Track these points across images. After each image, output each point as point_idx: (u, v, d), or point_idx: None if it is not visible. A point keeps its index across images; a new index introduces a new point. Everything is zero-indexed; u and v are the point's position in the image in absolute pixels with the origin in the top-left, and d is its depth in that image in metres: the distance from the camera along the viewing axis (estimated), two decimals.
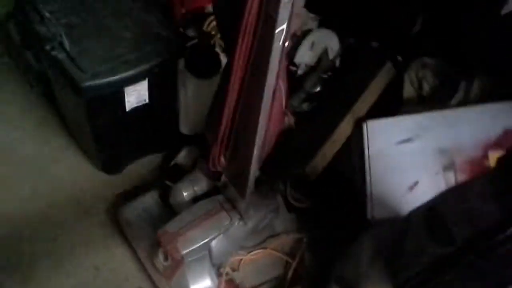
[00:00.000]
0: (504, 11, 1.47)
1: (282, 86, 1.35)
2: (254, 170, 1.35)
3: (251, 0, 0.98)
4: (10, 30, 1.80)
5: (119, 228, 1.73)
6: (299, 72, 1.83)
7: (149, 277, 1.63)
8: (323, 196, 1.70)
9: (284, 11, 0.97)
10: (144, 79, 1.50)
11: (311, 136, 1.69)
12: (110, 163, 1.80)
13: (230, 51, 1.15)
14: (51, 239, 1.70)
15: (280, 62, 1.09)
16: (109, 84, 1.43)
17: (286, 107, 1.54)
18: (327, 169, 1.65)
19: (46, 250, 1.67)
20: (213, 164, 1.43)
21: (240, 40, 1.07)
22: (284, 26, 1.00)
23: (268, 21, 0.99)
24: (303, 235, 1.71)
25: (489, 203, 0.87)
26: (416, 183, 1.45)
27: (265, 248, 1.70)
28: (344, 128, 1.64)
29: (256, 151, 1.27)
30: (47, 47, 1.38)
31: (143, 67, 1.47)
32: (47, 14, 1.45)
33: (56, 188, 1.82)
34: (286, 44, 1.06)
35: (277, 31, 1.00)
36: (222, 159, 1.42)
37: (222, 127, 1.29)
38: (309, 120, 1.76)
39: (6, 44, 2.00)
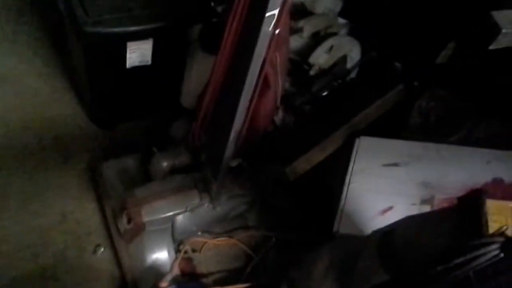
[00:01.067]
0: None
1: (279, 80, 1.31)
2: (228, 154, 1.32)
3: None
4: None
5: (95, 182, 1.73)
6: (311, 72, 1.78)
7: (110, 236, 1.63)
8: (299, 199, 1.65)
9: None
10: (149, 38, 1.48)
11: (302, 138, 1.65)
12: (102, 117, 1.81)
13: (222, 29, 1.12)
14: (27, 175, 1.72)
15: (268, 49, 1.05)
16: (111, 34, 1.41)
17: (281, 103, 1.50)
18: (310, 174, 1.60)
19: (21, 185, 1.70)
20: (192, 139, 1.41)
21: (230, 18, 1.03)
22: (276, 12, 0.96)
23: (259, 2, 0.95)
24: (272, 234, 1.67)
25: (441, 237, 0.83)
26: (390, 208, 1.40)
27: (231, 237, 1.67)
28: (337, 138, 1.59)
29: (232, 136, 1.24)
30: None
31: (151, 25, 1.45)
32: None
33: (46, 127, 1.84)
34: (277, 31, 1.01)
35: (267, 15, 0.95)
36: (202, 136, 1.40)
37: (205, 104, 1.27)
38: (307, 123, 1.71)
39: None
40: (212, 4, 1.77)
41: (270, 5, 0.93)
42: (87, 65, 1.55)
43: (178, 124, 1.79)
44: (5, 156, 1.75)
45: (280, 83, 1.33)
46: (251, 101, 1.15)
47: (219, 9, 1.78)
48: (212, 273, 1.62)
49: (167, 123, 1.82)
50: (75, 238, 1.64)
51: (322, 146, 1.54)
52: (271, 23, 0.98)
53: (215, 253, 1.66)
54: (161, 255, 1.53)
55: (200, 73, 1.68)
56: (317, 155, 1.54)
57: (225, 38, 1.09)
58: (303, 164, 1.53)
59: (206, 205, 1.53)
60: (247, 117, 1.21)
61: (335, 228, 1.39)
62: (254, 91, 1.14)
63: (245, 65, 1.06)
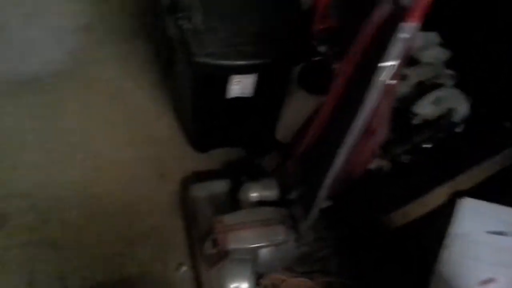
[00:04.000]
0: None
1: (383, 127, 1.28)
2: (322, 195, 1.30)
3: (370, 24, 0.93)
4: None
5: (185, 201, 1.79)
6: (414, 122, 1.71)
7: (193, 257, 1.67)
8: (389, 254, 1.57)
9: (397, 46, 0.90)
10: (252, 72, 1.52)
11: (401, 190, 1.58)
12: (199, 141, 1.87)
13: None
14: (121, 186, 1.82)
15: (378, 100, 1.02)
16: (218, 66, 1.47)
17: (381, 150, 1.46)
18: (404, 229, 1.52)
19: (116, 194, 1.79)
20: (285, 175, 1.41)
21: (344, 63, 1.03)
22: (394, 63, 0.93)
23: (377, 50, 0.94)
24: (354, 285, 1.60)
25: None
26: (491, 280, 1.28)
27: (311, 279, 1.63)
28: (439, 195, 1.50)
29: (328, 178, 1.22)
30: (179, 15, 1.47)
31: (254, 61, 1.49)
32: None
33: (146, 142, 1.95)
34: (393, 82, 0.99)
35: (383, 64, 0.93)
36: (296, 173, 1.39)
37: (303, 143, 1.26)
38: (405, 173, 1.64)
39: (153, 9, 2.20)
40: (315, 44, 1.79)
41: (389, 55, 0.91)
42: (192, 91, 1.63)
43: (270, 157, 1.82)
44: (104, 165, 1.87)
45: (383, 130, 1.29)
46: (353, 146, 1.13)
47: (322, 49, 1.80)
48: None
49: (259, 154, 1.86)
50: (160, 253, 1.69)
51: (423, 201, 1.46)
52: (387, 74, 0.96)
53: None
54: (241, 285, 1.52)
55: (297, 110, 1.70)
56: (416, 210, 1.47)
57: (336, 82, 1.08)
58: (401, 217, 1.47)
59: (291, 242, 1.52)
60: (347, 161, 1.18)
61: None
62: (358, 137, 1.12)
63: (354, 111, 1.05)
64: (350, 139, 1.09)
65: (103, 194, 1.79)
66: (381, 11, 0.88)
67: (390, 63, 0.92)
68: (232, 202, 1.70)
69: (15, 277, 1.56)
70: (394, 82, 0.98)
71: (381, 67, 0.92)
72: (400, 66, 0.94)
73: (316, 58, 1.70)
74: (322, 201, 1.33)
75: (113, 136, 1.94)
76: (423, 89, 1.66)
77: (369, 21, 0.90)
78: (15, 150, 1.83)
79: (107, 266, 1.64)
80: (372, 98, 0.99)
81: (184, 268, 1.67)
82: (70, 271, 1.60)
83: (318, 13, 1.57)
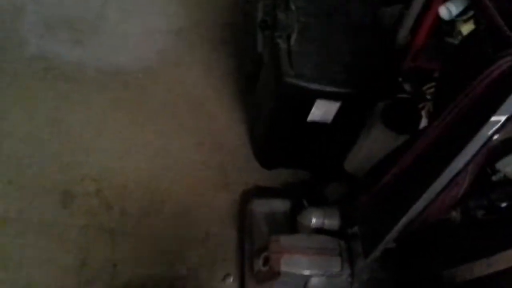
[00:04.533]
0: None
1: (466, 179, 1.24)
2: (390, 237, 1.27)
3: (487, 76, 0.90)
4: (257, 8, 1.99)
5: (243, 214, 1.80)
6: (494, 178, 1.64)
7: (242, 270, 1.67)
8: None
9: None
10: (338, 100, 1.52)
11: (469, 245, 1.51)
12: (266, 157, 1.88)
13: (433, 117, 1.09)
14: (184, 190, 1.86)
15: (476, 154, 0.99)
16: (307, 89, 1.48)
17: (459, 202, 1.41)
18: (465, 286, 1.45)
19: (177, 196, 1.84)
20: (351, 208, 1.39)
21: (447, 111, 1.00)
22: (503, 118, 0.90)
23: (487, 103, 0.91)
24: None
25: None
26: None
27: None
28: (508, 258, 1.42)
29: (403, 222, 1.19)
30: (276, 34, 1.50)
31: (344, 89, 1.50)
32: (292, 6, 1.57)
33: (214, 150, 1.98)
34: (495, 138, 0.96)
35: (492, 119, 0.90)
36: (364, 209, 1.37)
37: (382, 181, 1.24)
38: (476, 229, 1.57)
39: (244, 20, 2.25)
40: (400, 80, 1.77)
41: (501, 109, 0.89)
42: (274, 109, 1.65)
43: (335, 185, 1.80)
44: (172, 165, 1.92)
45: (466, 183, 1.25)
46: (436, 196, 1.10)
47: (407, 87, 1.77)
48: None
49: (323, 181, 1.85)
50: (210, 260, 1.71)
51: (490, 261, 1.39)
52: (492, 129, 0.93)
53: None
54: None
55: (375, 145, 1.67)
56: (481, 268, 1.40)
57: (431, 129, 1.06)
58: (464, 273, 1.40)
59: (344, 277, 1.48)
60: (425, 210, 1.15)
61: None
62: (443, 188, 1.09)
63: (446, 159, 1.02)
64: (436, 188, 1.06)
65: (166, 192, 1.83)
66: (502, 64, 0.86)
67: (501, 118, 0.90)
68: (290, 223, 1.69)
69: (70, 256, 1.62)
70: (497, 137, 0.95)
71: (492, 121, 0.90)
72: (509, 123, 0.91)
73: (401, 96, 1.68)
74: (389, 242, 1.30)
75: (184, 139, 1.99)
76: (510, 146, 1.59)
77: (486, 73, 0.88)
78: (92, 136, 1.92)
79: (158, 262, 1.67)
80: (471, 151, 0.96)
81: (230, 279, 1.68)
82: (122, 260, 1.65)
83: (412, 51, 1.56)
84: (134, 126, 1.98)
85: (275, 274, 1.48)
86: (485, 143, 0.96)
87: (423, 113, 1.67)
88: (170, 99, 2.09)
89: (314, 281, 1.49)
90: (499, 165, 1.56)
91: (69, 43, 2.14)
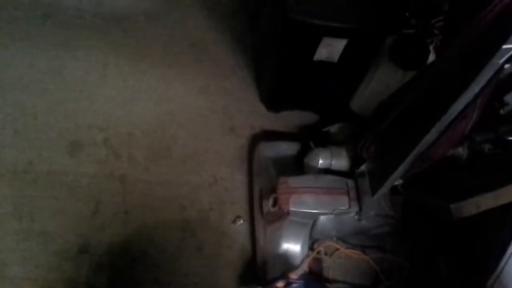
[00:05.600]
0: None
1: (475, 113, 1.22)
2: (396, 176, 1.28)
3: (499, 3, 0.87)
4: None
5: (250, 158, 1.81)
6: (502, 112, 1.62)
7: (252, 212, 1.70)
8: (451, 243, 1.53)
9: None
10: (345, 37, 1.48)
11: (474, 178, 1.51)
12: (273, 100, 1.86)
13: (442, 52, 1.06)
14: (193, 134, 1.87)
15: (487, 83, 0.97)
16: (314, 26, 1.44)
17: (466, 137, 1.40)
18: (472, 220, 1.47)
19: (185, 142, 1.84)
20: (361, 150, 1.38)
21: (457, 41, 0.97)
22: None
23: (498, 32, 0.88)
24: (408, 266, 1.59)
25: None
26: None
27: (365, 253, 1.62)
28: None
29: (410, 158, 1.19)
30: None
31: (350, 25, 1.45)
32: None
33: (219, 95, 1.98)
34: (507, 66, 0.93)
35: (504, 46, 0.87)
36: (372, 149, 1.37)
37: (388, 119, 1.23)
38: (483, 163, 1.57)
39: None
40: (407, 15, 1.71)
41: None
42: (279, 48, 1.61)
43: (341, 126, 1.79)
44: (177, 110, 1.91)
45: (475, 116, 1.23)
46: (446, 128, 1.09)
47: (413, 21, 1.72)
48: (336, 281, 1.59)
49: (329, 121, 1.84)
50: (220, 203, 1.74)
51: (496, 195, 1.40)
52: (504, 57, 0.90)
53: (345, 263, 1.62)
54: (294, 247, 1.55)
55: (382, 82, 1.64)
56: (488, 202, 1.41)
57: (440, 59, 1.03)
58: (471, 207, 1.41)
59: (352, 214, 1.51)
60: (433, 143, 1.14)
61: (489, 284, 1.27)
62: (453, 120, 1.07)
63: (457, 92, 1.00)
64: (446, 120, 1.05)
65: (172, 138, 1.84)
66: None
67: (509, 46, 0.87)
68: (298, 165, 1.70)
69: (82, 204, 1.65)
70: (509, 66, 0.92)
71: (503, 49, 0.87)
72: None
73: (408, 31, 1.63)
74: (396, 179, 1.30)
75: (188, 84, 1.97)
76: None
77: (496, 1, 0.84)
78: (95, 84, 1.90)
79: (169, 207, 1.70)
80: (483, 80, 0.94)
81: (240, 221, 1.71)
82: (134, 206, 1.68)
83: None
84: (137, 72, 1.96)
85: (284, 214, 1.51)
86: (496, 72, 0.93)
87: (431, 48, 1.62)
88: (172, 43, 2.05)
89: (322, 219, 1.52)
90: (508, 98, 1.54)
91: None
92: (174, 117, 1.88)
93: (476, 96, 0.99)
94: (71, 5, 2.06)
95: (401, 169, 1.23)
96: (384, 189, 1.35)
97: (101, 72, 1.93)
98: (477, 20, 0.95)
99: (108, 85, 1.91)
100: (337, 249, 1.62)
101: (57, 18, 2.01)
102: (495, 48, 0.89)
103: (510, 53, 0.89)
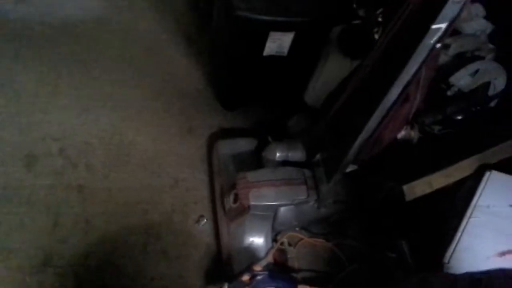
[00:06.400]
0: None
1: (418, 95, 1.27)
2: (348, 160, 1.31)
3: None
4: None
5: (210, 157, 1.81)
6: (448, 93, 1.68)
7: (214, 211, 1.71)
8: (407, 223, 1.58)
9: (449, 10, 0.88)
10: (292, 30, 1.50)
11: (427, 159, 1.57)
12: (228, 98, 1.87)
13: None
14: (151, 137, 1.86)
15: (422, 63, 1.01)
16: (259, 21, 1.46)
17: (413, 119, 1.45)
18: (425, 198, 1.52)
19: (145, 146, 1.84)
20: (311, 138, 1.41)
21: (390, 25, 1.00)
22: (443, 26, 0.91)
23: (429, 11, 0.91)
24: (369, 250, 1.63)
25: None
26: (509, 252, 1.29)
27: (327, 240, 1.66)
28: (465, 167, 1.49)
29: (358, 142, 1.22)
30: None
31: (296, 18, 1.48)
32: None
33: (176, 96, 1.98)
34: (438, 46, 0.97)
35: (433, 27, 0.91)
36: (323, 136, 1.40)
37: (336, 106, 1.26)
38: (433, 143, 1.63)
39: None
40: (354, 6, 1.75)
41: (439, 17, 0.89)
42: (229, 45, 1.62)
43: (297, 118, 1.82)
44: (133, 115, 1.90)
45: (418, 98, 1.28)
46: (387, 111, 1.12)
47: (360, 12, 1.76)
48: (302, 270, 1.62)
49: (285, 115, 1.86)
50: (182, 204, 1.74)
51: (447, 172, 1.46)
52: (435, 37, 0.94)
53: (309, 251, 1.66)
54: (258, 240, 1.56)
55: (331, 73, 1.67)
56: (440, 180, 1.46)
57: (378, 43, 1.06)
58: (423, 186, 1.46)
59: (311, 203, 1.54)
60: (378, 127, 1.18)
61: (445, 260, 1.31)
62: (394, 103, 1.11)
63: (394, 74, 1.03)
64: (387, 103, 1.08)
65: (130, 143, 1.83)
66: None
67: (441, 26, 0.90)
68: (257, 160, 1.72)
69: (41, 217, 1.62)
70: (439, 46, 0.96)
71: (433, 29, 0.90)
72: (449, 31, 0.92)
73: (356, 22, 1.67)
74: (347, 164, 1.33)
75: (143, 87, 1.96)
76: (462, 60, 1.62)
77: None
78: (48, 95, 1.87)
79: (131, 212, 1.69)
80: (417, 61, 0.97)
81: (204, 221, 1.71)
82: (94, 215, 1.65)
83: None
84: (90, 79, 1.94)
85: (245, 209, 1.52)
86: (429, 52, 0.97)
87: (376, 37, 1.67)
88: (125, 47, 2.03)
89: (282, 210, 1.55)
90: (453, 79, 1.61)
91: (11, 1, 2.05)
92: (131, 122, 1.87)
93: (412, 77, 1.02)
94: (18, 17, 2.02)
95: (350, 154, 1.26)
96: (338, 175, 1.38)
97: (53, 82, 1.90)
98: (407, 3, 0.98)
99: (61, 95, 1.88)
100: (301, 239, 1.65)
101: (4, 31, 1.97)
102: (425, 29, 0.93)
103: (439, 33, 0.93)
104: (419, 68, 1.03)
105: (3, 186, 1.65)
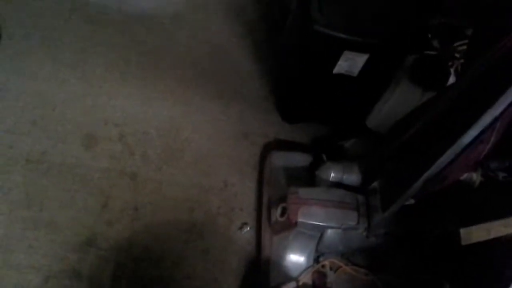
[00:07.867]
0: None
1: (492, 137, 1.21)
2: (408, 195, 1.27)
3: None
4: None
5: (262, 166, 1.81)
6: None
7: (259, 220, 1.70)
8: (459, 268, 1.51)
9: None
10: (366, 52, 1.48)
11: (486, 205, 1.50)
12: (288, 110, 1.87)
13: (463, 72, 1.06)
14: (206, 136, 1.88)
15: (506, 108, 0.97)
16: (335, 39, 1.44)
17: (481, 163, 1.39)
18: (481, 246, 1.45)
19: (199, 145, 1.85)
20: (370, 164, 1.38)
21: (478, 64, 0.97)
22: None
23: None
24: None
25: None
26: None
27: (369, 272, 1.61)
28: None
29: (424, 177, 1.18)
30: None
31: (373, 41, 1.46)
32: None
33: (235, 99, 2.00)
34: None
35: None
36: (384, 165, 1.37)
37: (404, 137, 1.22)
38: (495, 190, 1.55)
39: None
40: (429, 36, 1.71)
41: None
42: (298, 59, 1.62)
43: (356, 141, 1.79)
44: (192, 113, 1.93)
45: (492, 141, 1.22)
46: (462, 150, 1.08)
47: (435, 43, 1.72)
48: None
49: (343, 136, 1.84)
50: (228, 209, 1.74)
51: (508, 222, 1.38)
52: None
53: (347, 279, 1.61)
54: (299, 259, 1.54)
55: (400, 100, 1.64)
56: (498, 229, 1.39)
57: (462, 81, 1.03)
58: (481, 232, 1.40)
59: (360, 230, 1.50)
60: (449, 165, 1.14)
61: None
62: (471, 142, 1.07)
63: (476, 113, 1.00)
64: (463, 142, 1.04)
65: (186, 139, 1.85)
66: None
67: None
68: (309, 177, 1.70)
69: (92, 197, 1.66)
70: None
71: None
72: None
73: (429, 52, 1.63)
74: (408, 198, 1.30)
75: (205, 86, 1.98)
76: None
77: None
78: (115, 80, 1.92)
79: (178, 207, 1.71)
80: (502, 105, 0.94)
81: (247, 228, 1.71)
82: (143, 204, 1.68)
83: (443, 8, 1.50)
84: (157, 71, 1.98)
85: (292, 224, 1.50)
86: None
87: (452, 70, 1.62)
88: (194, 46, 2.07)
89: (329, 232, 1.52)
90: None
91: None
92: (190, 119, 1.90)
93: (494, 120, 0.98)
94: (97, 1, 2.09)
95: (414, 188, 1.23)
96: (396, 207, 1.34)
97: (122, 69, 1.95)
98: (498, 46, 0.95)
99: (127, 83, 1.92)
100: (341, 267, 1.61)
101: (82, 13, 2.05)
102: None
103: None
104: (503, 113, 0.99)
105: (60, 162, 1.69)
